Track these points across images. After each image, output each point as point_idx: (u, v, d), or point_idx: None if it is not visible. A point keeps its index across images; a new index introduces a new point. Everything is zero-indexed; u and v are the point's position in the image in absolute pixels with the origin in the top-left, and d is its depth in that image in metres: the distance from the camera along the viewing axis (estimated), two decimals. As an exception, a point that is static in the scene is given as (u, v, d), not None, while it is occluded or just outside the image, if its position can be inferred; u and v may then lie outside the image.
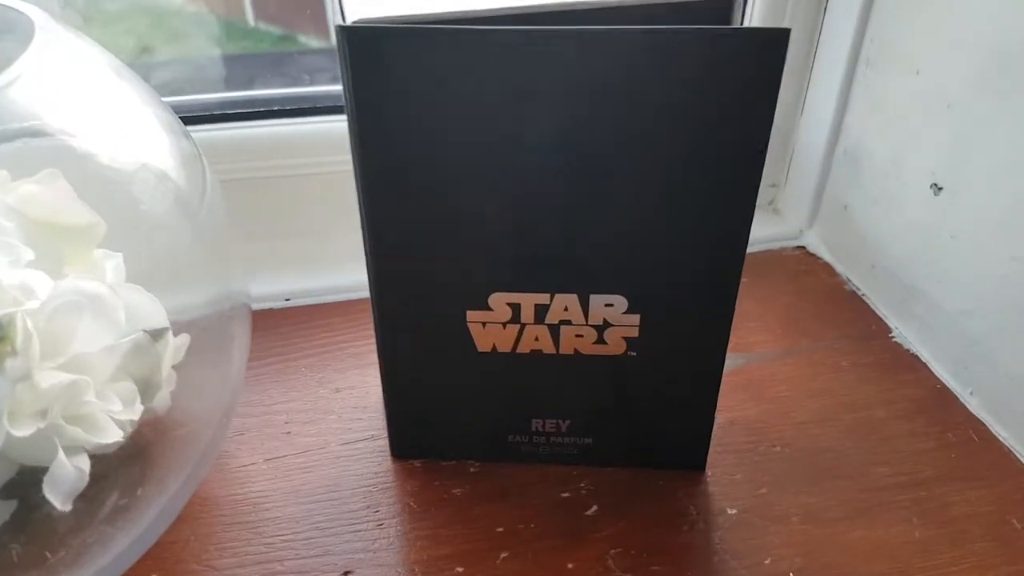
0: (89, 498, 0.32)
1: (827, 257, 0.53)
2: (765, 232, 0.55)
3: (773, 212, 0.57)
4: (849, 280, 0.51)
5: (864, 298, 0.49)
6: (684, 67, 0.27)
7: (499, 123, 0.28)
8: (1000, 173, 0.38)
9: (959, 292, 0.42)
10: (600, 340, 0.33)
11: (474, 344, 0.34)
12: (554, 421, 0.36)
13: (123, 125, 0.33)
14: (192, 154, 0.35)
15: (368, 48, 0.27)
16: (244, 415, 0.41)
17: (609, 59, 0.27)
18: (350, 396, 0.42)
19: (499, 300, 0.32)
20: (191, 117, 0.49)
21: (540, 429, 0.37)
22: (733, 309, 0.32)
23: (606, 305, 0.32)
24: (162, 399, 0.35)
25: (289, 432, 0.40)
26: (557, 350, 0.34)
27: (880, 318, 0.48)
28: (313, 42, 0.59)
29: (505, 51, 0.26)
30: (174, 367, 0.36)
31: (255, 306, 0.48)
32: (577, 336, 0.33)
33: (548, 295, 0.32)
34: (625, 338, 0.33)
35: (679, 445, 0.37)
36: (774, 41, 0.26)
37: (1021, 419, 0.39)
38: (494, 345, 0.34)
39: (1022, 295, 0.38)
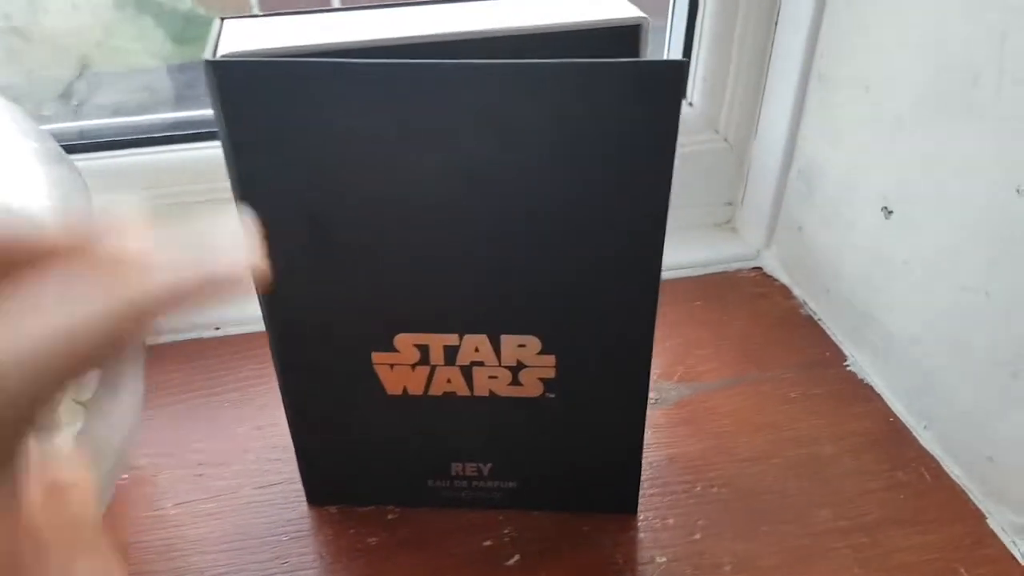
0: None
1: (784, 279, 0.51)
2: (721, 253, 0.52)
3: (731, 231, 0.55)
4: (805, 304, 0.49)
5: (820, 323, 0.47)
6: (571, 101, 0.25)
7: (382, 157, 0.26)
8: (951, 197, 0.36)
9: (911, 320, 0.40)
10: (515, 382, 0.32)
11: (382, 387, 0.32)
12: (475, 465, 0.35)
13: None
14: (74, 185, 0.33)
15: (239, 82, 0.25)
16: (157, 455, 0.39)
17: (490, 93, 0.25)
18: (271, 434, 0.40)
19: (405, 341, 0.31)
20: (120, 141, 0.47)
21: (461, 473, 0.35)
22: (651, 348, 0.31)
23: (519, 346, 0.31)
24: (65, 440, 0.34)
25: (202, 474, 0.38)
26: (472, 392, 0.32)
27: (835, 344, 0.46)
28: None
29: (381, 84, 0.25)
30: (81, 403, 0.35)
31: (183, 336, 0.46)
32: (491, 377, 0.31)
33: (457, 335, 0.30)
34: (541, 379, 0.31)
35: (608, 488, 0.35)
36: (669, 73, 0.24)
37: (974, 455, 0.37)
38: (405, 388, 0.32)
39: (973, 325, 0.36)
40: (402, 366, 0.31)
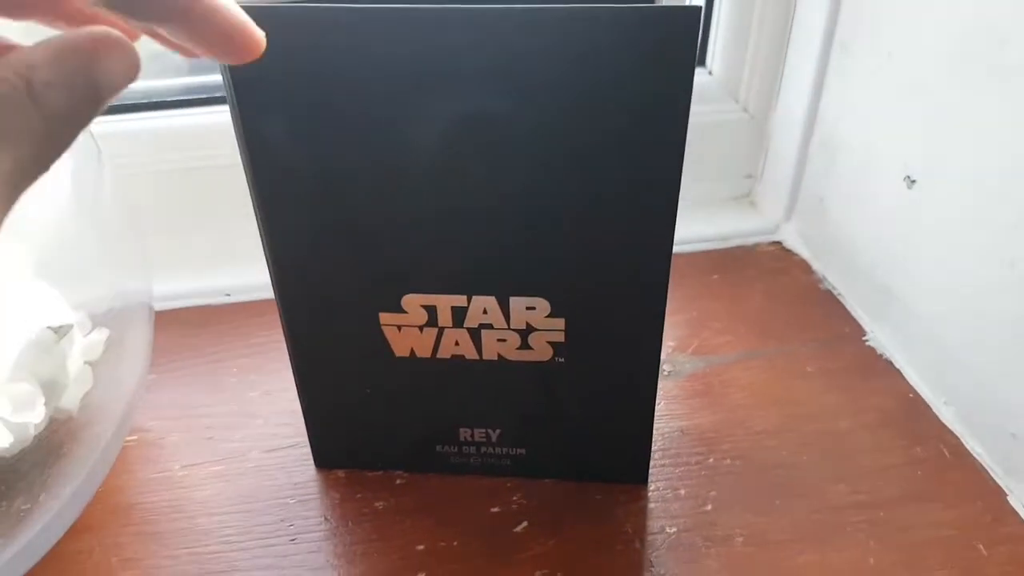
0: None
1: (804, 253, 0.50)
2: (740, 226, 0.52)
3: (749, 205, 0.54)
4: (825, 278, 0.48)
5: (839, 298, 0.46)
6: (581, 50, 0.24)
7: (392, 111, 0.26)
8: (975, 166, 0.35)
9: (934, 294, 0.39)
10: (525, 345, 0.31)
11: (390, 349, 0.31)
12: (483, 430, 0.34)
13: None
14: (87, 149, 0.33)
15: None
16: (167, 418, 0.39)
17: (502, 41, 0.24)
18: (280, 399, 0.40)
19: (413, 302, 0.30)
20: (132, 105, 0.47)
21: (469, 439, 0.34)
22: (663, 311, 0.30)
23: (527, 308, 0.30)
24: (71, 399, 0.34)
25: (211, 438, 0.38)
26: (480, 356, 0.31)
27: (855, 320, 0.45)
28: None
29: (392, 32, 0.24)
30: (90, 363, 0.35)
31: (194, 302, 0.46)
32: (500, 340, 0.31)
33: (465, 297, 0.30)
34: (551, 343, 0.31)
35: (618, 457, 0.35)
36: (683, 19, 0.23)
37: (997, 432, 0.36)
38: (412, 350, 0.32)
39: (999, 299, 0.35)
40: (410, 327, 0.31)
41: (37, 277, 0.34)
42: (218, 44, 0.18)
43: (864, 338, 0.43)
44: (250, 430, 0.38)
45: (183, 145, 0.46)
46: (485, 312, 0.30)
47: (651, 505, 0.34)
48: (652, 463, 0.36)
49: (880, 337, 0.43)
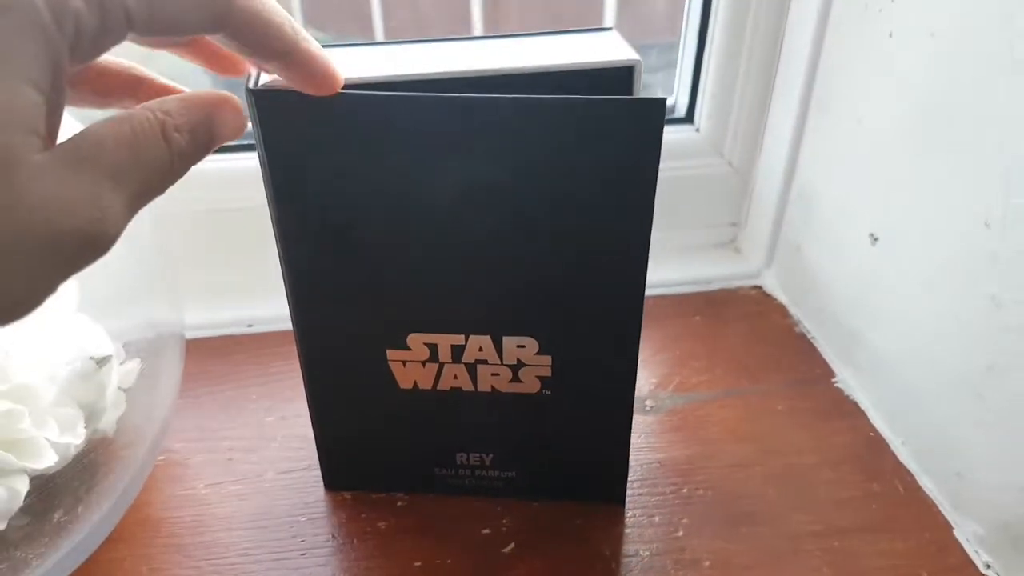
0: (33, 514, 0.35)
1: (782, 298, 0.53)
2: (724, 271, 0.55)
3: (734, 251, 0.57)
4: (800, 322, 0.51)
5: (812, 341, 0.50)
6: (563, 132, 0.28)
7: (404, 179, 0.30)
8: (929, 228, 0.39)
9: (894, 342, 0.42)
10: (516, 379, 0.35)
11: (396, 382, 0.35)
12: (478, 455, 0.38)
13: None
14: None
15: (275, 109, 0.28)
16: (191, 440, 0.43)
17: (497, 124, 0.28)
18: (295, 424, 0.44)
19: (417, 340, 0.34)
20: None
21: (465, 462, 0.38)
22: (637, 350, 0.34)
23: (518, 346, 0.34)
24: (108, 422, 0.37)
25: (231, 459, 0.42)
26: (476, 388, 0.35)
27: (825, 362, 0.48)
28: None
29: (406, 116, 0.28)
30: (124, 390, 0.38)
31: (217, 332, 0.50)
32: (494, 375, 0.35)
33: (463, 336, 0.34)
34: (539, 377, 0.35)
35: (598, 479, 0.38)
36: (650, 110, 0.27)
37: (945, 471, 0.39)
38: (415, 382, 0.35)
39: (949, 349, 0.38)
40: (413, 363, 0.35)
41: (79, 310, 0.38)
42: (308, 81, 0.25)
43: (833, 380, 0.47)
44: (267, 452, 0.42)
45: (212, 187, 0.51)
46: (480, 350, 0.34)
47: (627, 530, 0.38)
48: (631, 492, 0.39)
49: (848, 379, 0.47)
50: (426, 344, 0.34)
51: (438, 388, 0.35)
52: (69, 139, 0.19)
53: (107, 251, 0.19)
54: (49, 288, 0.18)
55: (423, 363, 0.35)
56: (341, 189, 0.30)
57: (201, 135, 0.22)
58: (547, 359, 0.34)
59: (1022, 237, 0.33)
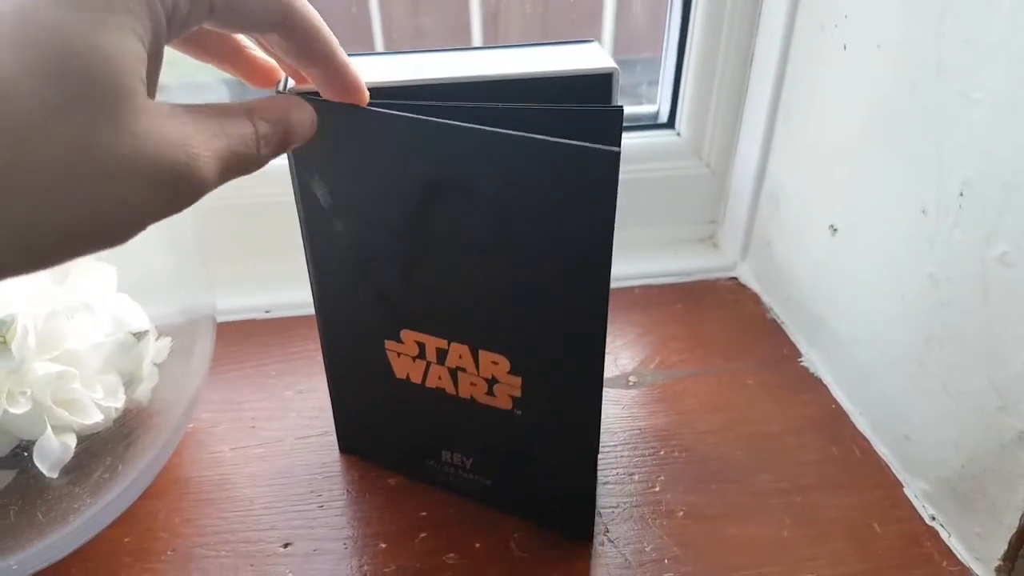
0: (78, 470, 0.39)
1: (755, 288, 0.58)
2: (703, 264, 0.60)
3: (712, 246, 0.62)
4: (771, 309, 0.56)
5: (782, 326, 0.54)
6: (533, 169, 0.29)
7: (393, 189, 0.32)
8: (878, 218, 0.44)
9: (853, 324, 0.47)
10: (490, 392, 0.36)
11: (392, 370, 0.38)
12: (460, 456, 0.40)
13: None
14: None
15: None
16: (218, 411, 0.47)
17: (472, 152, 0.30)
18: (311, 398, 0.48)
19: (409, 336, 0.36)
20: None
21: (450, 460, 0.40)
22: (600, 398, 0.34)
23: (492, 362, 0.35)
24: (144, 391, 0.42)
25: (254, 427, 0.46)
26: (457, 392, 0.37)
27: (793, 344, 0.53)
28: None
29: (405, 135, 0.31)
30: (157, 364, 0.43)
31: (239, 317, 0.55)
32: (472, 384, 0.36)
33: (446, 341, 0.36)
34: (511, 396, 0.36)
35: (567, 510, 0.39)
36: (606, 158, 0.27)
37: (896, 436, 0.43)
38: (408, 374, 0.38)
39: (896, 327, 0.43)
40: (406, 356, 0.37)
41: (119, 291, 0.42)
42: (342, 89, 0.29)
43: (799, 359, 0.51)
44: (287, 421, 0.46)
45: (242, 184, 0.55)
46: (460, 357, 0.36)
47: (610, 486, 0.42)
48: (614, 454, 0.44)
49: (813, 359, 0.51)
50: (416, 342, 0.36)
51: (426, 384, 0.38)
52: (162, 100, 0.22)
53: (193, 200, 0.22)
54: (146, 217, 0.20)
55: (413, 358, 0.37)
56: (351, 196, 0.33)
57: (280, 128, 0.26)
58: (518, 380, 0.35)
59: (952, 220, 0.38)
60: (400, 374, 0.38)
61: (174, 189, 0.21)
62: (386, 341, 0.37)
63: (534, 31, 0.82)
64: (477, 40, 0.66)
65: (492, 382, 0.36)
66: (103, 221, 0.20)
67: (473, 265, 0.33)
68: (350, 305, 0.38)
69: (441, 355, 0.36)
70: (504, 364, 0.35)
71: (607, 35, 0.70)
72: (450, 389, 0.37)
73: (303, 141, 0.28)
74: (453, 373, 0.37)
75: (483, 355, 0.35)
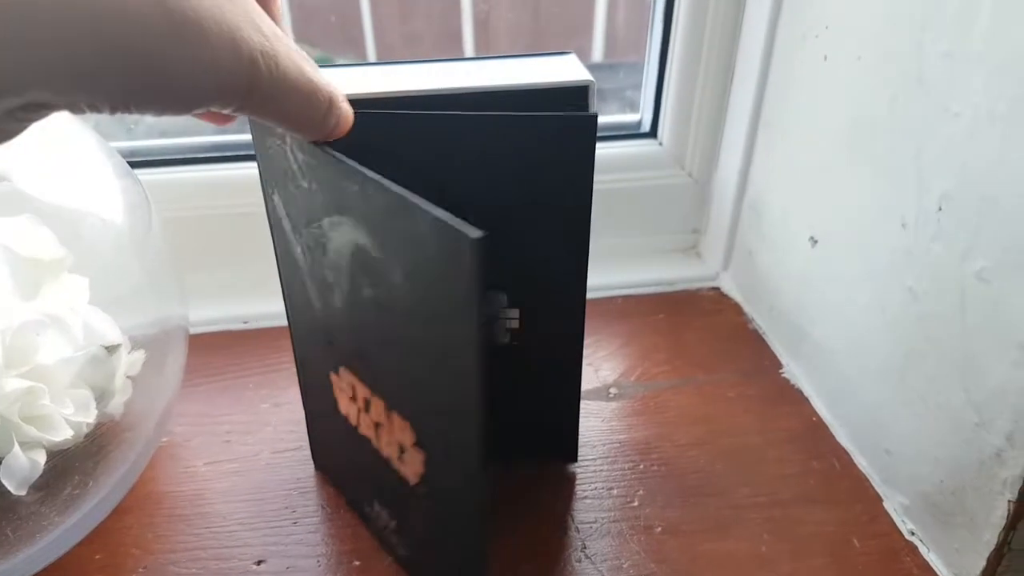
0: (48, 487, 0.38)
1: (737, 298, 0.58)
2: (685, 273, 0.60)
3: (695, 256, 0.62)
4: (753, 320, 0.56)
5: (763, 336, 0.54)
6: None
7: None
8: (857, 230, 0.43)
9: (832, 335, 0.47)
10: (401, 459, 0.33)
11: (336, 404, 0.36)
12: (386, 514, 0.37)
13: (74, 171, 0.39)
14: (139, 196, 0.41)
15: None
16: (192, 424, 0.47)
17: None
18: (288, 411, 0.47)
19: (345, 373, 0.34)
20: (165, 160, 0.55)
21: (379, 514, 0.38)
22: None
23: (400, 429, 0.32)
24: (116, 405, 0.41)
25: (229, 441, 0.46)
26: (380, 448, 0.34)
27: (774, 355, 0.52)
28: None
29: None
30: (130, 377, 0.42)
31: (217, 328, 0.54)
32: (388, 445, 0.33)
33: (370, 391, 0.33)
34: (417, 473, 0.32)
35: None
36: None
37: (876, 449, 0.43)
38: (347, 414, 0.36)
39: (876, 340, 0.43)
40: (343, 393, 0.35)
41: (92, 304, 0.41)
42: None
43: (780, 370, 0.51)
44: (262, 435, 0.46)
45: (215, 195, 0.55)
46: (380, 412, 0.32)
47: (588, 501, 0.42)
48: (593, 468, 0.43)
49: (793, 370, 0.51)
50: (350, 383, 0.34)
51: (360, 431, 0.35)
52: None
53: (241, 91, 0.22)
54: (215, 88, 0.21)
55: (351, 398, 0.35)
56: (299, 211, 0.33)
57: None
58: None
59: (931, 234, 0.37)
60: (343, 410, 0.36)
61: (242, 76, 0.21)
62: (331, 374, 0.36)
63: (525, 37, 0.82)
64: (468, 46, 0.66)
65: (402, 451, 0.32)
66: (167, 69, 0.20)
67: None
68: (308, 333, 0.37)
69: (367, 404, 0.33)
70: (410, 435, 0.31)
71: (598, 40, 0.70)
72: (375, 442, 0.34)
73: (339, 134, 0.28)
74: (377, 427, 0.33)
75: (395, 416, 0.32)
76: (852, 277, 0.44)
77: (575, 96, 0.35)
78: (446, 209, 0.32)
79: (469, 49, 0.66)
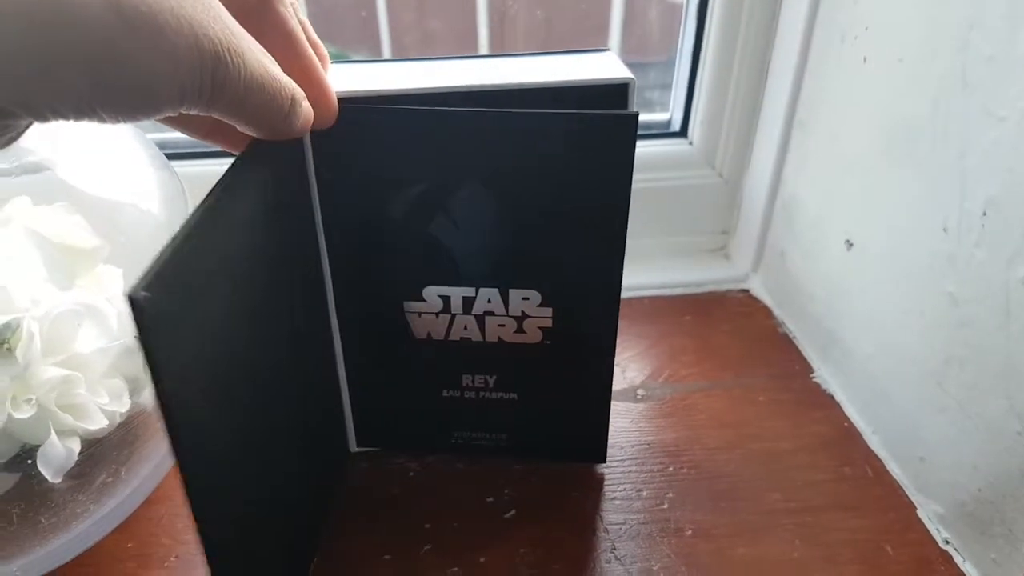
0: (81, 475, 0.38)
1: (767, 300, 0.57)
2: (714, 275, 0.59)
3: (724, 257, 0.61)
4: (783, 323, 0.55)
5: (794, 340, 0.54)
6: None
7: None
8: (896, 234, 0.43)
9: (866, 340, 0.46)
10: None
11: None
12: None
13: (113, 162, 0.40)
14: (175, 188, 0.41)
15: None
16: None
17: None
18: (316, 404, 0.47)
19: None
20: (201, 152, 0.55)
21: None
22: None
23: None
24: (149, 396, 0.41)
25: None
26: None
27: (805, 359, 0.52)
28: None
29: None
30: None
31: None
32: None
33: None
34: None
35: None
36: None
37: (911, 456, 0.43)
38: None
39: (912, 345, 0.42)
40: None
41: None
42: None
43: (811, 375, 0.51)
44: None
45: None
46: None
47: (618, 502, 0.42)
48: (622, 469, 0.43)
49: (824, 375, 0.50)
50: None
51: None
52: None
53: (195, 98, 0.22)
54: (167, 95, 0.21)
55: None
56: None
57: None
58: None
59: (974, 239, 0.37)
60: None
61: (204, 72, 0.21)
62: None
63: (540, 35, 0.82)
64: (483, 43, 0.66)
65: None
66: (128, 73, 0.20)
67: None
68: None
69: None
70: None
71: (614, 39, 0.69)
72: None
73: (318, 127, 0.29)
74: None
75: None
76: (889, 281, 0.44)
77: (615, 93, 0.35)
78: (486, 205, 0.34)
79: (484, 48, 0.66)
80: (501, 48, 0.66)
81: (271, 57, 0.25)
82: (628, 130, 0.33)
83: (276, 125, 0.26)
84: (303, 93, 0.27)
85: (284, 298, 0.34)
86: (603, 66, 0.35)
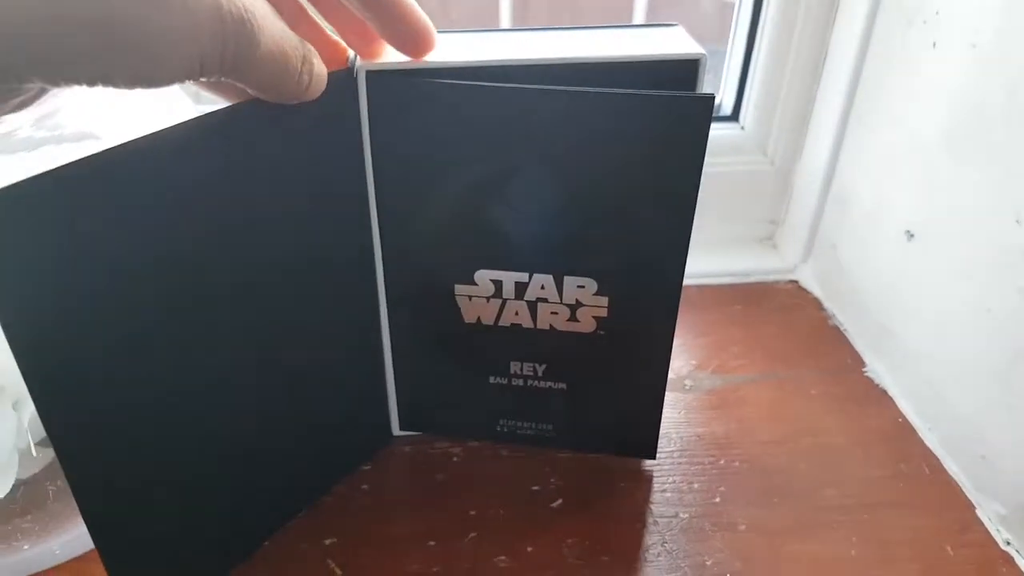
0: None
1: (817, 292, 0.56)
2: (762, 265, 0.58)
3: (772, 247, 0.60)
4: (834, 315, 0.54)
5: (845, 333, 0.52)
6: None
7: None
8: (963, 226, 0.41)
9: (924, 335, 0.45)
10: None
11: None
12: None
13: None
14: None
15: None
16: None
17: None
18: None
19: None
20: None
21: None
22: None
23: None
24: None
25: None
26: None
27: (857, 353, 0.51)
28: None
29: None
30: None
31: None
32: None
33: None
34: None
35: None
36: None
37: (970, 455, 0.41)
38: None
39: (976, 341, 0.41)
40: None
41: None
42: (403, 35, 0.30)
43: (864, 370, 0.49)
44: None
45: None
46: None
47: (668, 494, 0.41)
48: (671, 461, 0.42)
49: (878, 369, 0.49)
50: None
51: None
52: None
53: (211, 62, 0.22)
54: (185, 63, 0.21)
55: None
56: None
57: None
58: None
59: (1052, 233, 0.35)
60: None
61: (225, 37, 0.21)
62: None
63: (564, 13, 0.80)
64: (505, 21, 0.65)
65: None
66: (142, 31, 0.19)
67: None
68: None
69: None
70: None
71: (638, 19, 0.67)
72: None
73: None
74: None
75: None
76: (952, 274, 0.42)
77: (684, 70, 0.34)
78: (546, 179, 0.34)
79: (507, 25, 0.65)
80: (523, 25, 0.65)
81: (283, 22, 0.24)
82: (704, 112, 0.31)
83: (288, 88, 0.25)
84: (315, 51, 0.26)
85: (287, 294, 0.33)
86: (672, 41, 0.34)
